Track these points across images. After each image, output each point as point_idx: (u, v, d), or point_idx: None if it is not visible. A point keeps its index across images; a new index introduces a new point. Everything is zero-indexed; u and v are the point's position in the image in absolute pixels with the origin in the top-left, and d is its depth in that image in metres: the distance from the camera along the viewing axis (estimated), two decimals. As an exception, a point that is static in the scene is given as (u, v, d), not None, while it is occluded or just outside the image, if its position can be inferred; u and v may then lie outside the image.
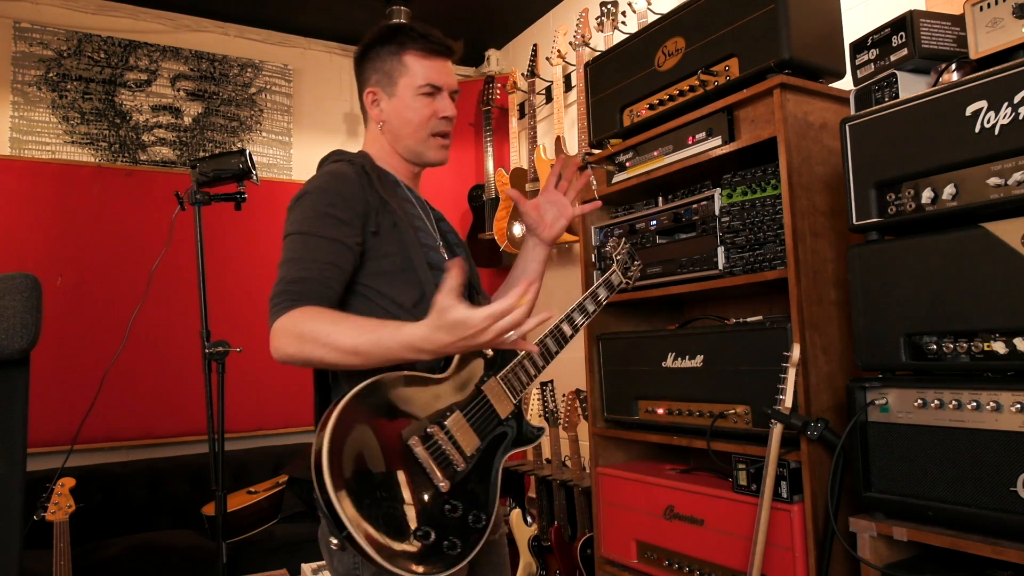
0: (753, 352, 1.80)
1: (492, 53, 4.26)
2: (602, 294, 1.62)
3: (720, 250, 1.92)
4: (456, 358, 1.33)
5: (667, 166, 2.06)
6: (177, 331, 3.49)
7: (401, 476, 1.18)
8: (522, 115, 3.89)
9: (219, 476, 2.36)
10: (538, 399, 3.20)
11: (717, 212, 1.94)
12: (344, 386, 1.29)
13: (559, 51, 3.42)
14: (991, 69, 1.31)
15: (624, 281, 1.72)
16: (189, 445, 3.53)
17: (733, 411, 1.86)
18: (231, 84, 3.91)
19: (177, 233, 2.64)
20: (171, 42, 3.78)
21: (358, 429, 1.16)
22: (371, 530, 1.11)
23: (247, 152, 2.52)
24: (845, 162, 1.54)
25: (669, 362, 2.04)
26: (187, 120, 3.80)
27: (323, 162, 1.48)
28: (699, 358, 1.96)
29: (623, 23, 3.01)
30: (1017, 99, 1.26)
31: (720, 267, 1.92)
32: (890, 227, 1.51)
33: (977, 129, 1.31)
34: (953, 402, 1.35)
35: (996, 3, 1.36)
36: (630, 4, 2.88)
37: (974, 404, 1.32)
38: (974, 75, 1.33)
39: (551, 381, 3.16)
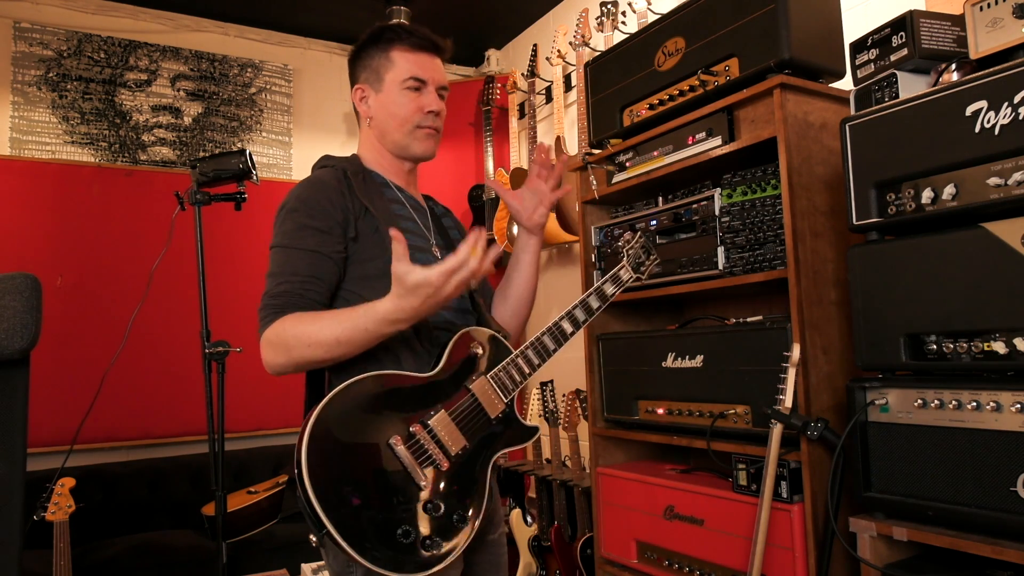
0: (753, 352, 1.80)
1: (492, 53, 4.26)
2: (609, 290, 1.58)
3: (720, 250, 1.92)
4: (444, 358, 1.34)
5: (667, 166, 2.06)
6: (177, 331, 3.49)
7: (382, 475, 1.19)
8: (522, 115, 3.89)
9: (219, 476, 2.36)
10: (538, 399, 3.20)
11: (717, 212, 1.94)
12: (334, 384, 1.29)
13: (559, 51, 3.42)
14: (991, 69, 1.31)
15: (635, 276, 1.67)
16: (189, 445, 3.53)
17: (733, 411, 1.86)
18: (231, 84, 3.91)
19: (177, 233, 2.64)
20: (171, 42, 3.78)
21: (338, 428, 1.19)
22: (351, 529, 1.13)
23: (247, 152, 2.52)
24: (845, 162, 1.54)
25: (669, 362, 2.04)
26: (187, 120, 3.80)
27: (313, 168, 1.50)
28: (699, 358, 1.96)
29: (623, 23, 3.01)
30: (1017, 99, 1.26)
31: (720, 267, 1.92)
32: (890, 227, 1.51)
33: (977, 129, 1.31)
34: (953, 402, 1.35)
35: (996, 3, 1.36)
36: (630, 4, 2.88)
37: (974, 404, 1.32)
38: (974, 75, 1.33)
39: (551, 381, 3.16)
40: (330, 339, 1.23)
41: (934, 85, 1.51)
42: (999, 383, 1.30)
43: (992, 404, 1.30)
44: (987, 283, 1.31)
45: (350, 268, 1.37)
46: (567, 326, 1.47)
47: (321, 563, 2.80)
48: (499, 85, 3.93)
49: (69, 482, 2.57)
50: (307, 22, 3.97)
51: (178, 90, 3.79)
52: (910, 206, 1.43)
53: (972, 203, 1.33)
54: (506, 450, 1.37)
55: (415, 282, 1.17)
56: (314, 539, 1.16)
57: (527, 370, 1.40)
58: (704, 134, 1.94)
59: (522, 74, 3.74)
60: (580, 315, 1.50)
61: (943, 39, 1.56)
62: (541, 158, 1.58)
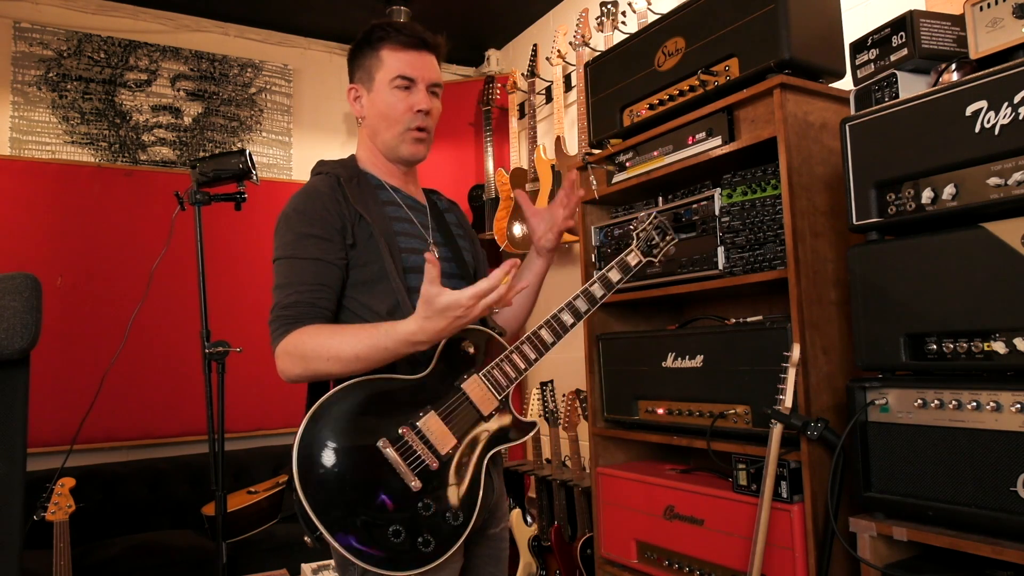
0: (753, 352, 1.80)
1: (492, 53, 4.26)
2: (614, 277, 1.51)
3: (720, 250, 1.92)
4: (435, 358, 1.35)
5: (667, 166, 2.06)
6: (177, 331, 3.49)
7: (372, 477, 1.23)
8: (522, 115, 3.89)
9: (219, 476, 2.36)
10: (538, 399, 3.20)
11: (717, 212, 1.94)
12: (332, 388, 1.33)
13: (559, 51, 3.42)
14: (991, 69, 1.31)
15: (646, 260, 1.58)
16: (189, 445, 3.53)
17: (733, 411, 1.86)
18: (231, 84, 3.91)
19: (177, 233, 2.64)
20: (171, 42, 3.78)
21: (329, 433, 1.23)
22: (342, 530, 1.18)
23: (247, 152, 2.52)
24: (845, 162, 1.54)
25: (669, 362, 2.04)
26: (187, 120, 3.80)
27: (311, 173, 1.50)
28: (699, 358, 1.96)
29: (623, 23, 3.01)
30: (1017, 99, 1.26)
31: (720, 267, 1.92)
32: (890, 227, 1.51)
33: (977, 129, 1.31)
34: (953, 402, 1.35)
35: (996, 3, 1.36)
36: (630, 4, 2.88)
37: (974, 404, 1.32)
38: (974, 75, 1.33)
39: (551, 381, 3.16)
40: (350, 355, 1.26)
41: (934, 85, 1.51)
42: (999, 383, 1.30)
43: (992, 404, 1.30)
44: (987, 283, 1.31)
45: (349, 274, 1.39)
46: (567, 317, 1.43)
47: (321, 563, 2.81)
48: (499, 85, 3.93)
49: (69, 482, 2.57)
50: (307, 22, 3.97)
51: (178, 90, 3.79)
52: (910, 206, 1.43)
53: (972, 203, 1.33)
54: (502, 447, 1.37)
55: (445, 304, 1.19)
56: (309, 540, 1.21)
57: (522, 365, 1.39)
58: (704, 134, 1.94)
59: (522, 74, 3.74)
60: (582, 305, 1.45)
61: (943, 39, 1.56)
62: (567, 187, 1.59)
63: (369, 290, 1.38)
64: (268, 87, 4.00)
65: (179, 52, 3.79)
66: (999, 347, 1.29)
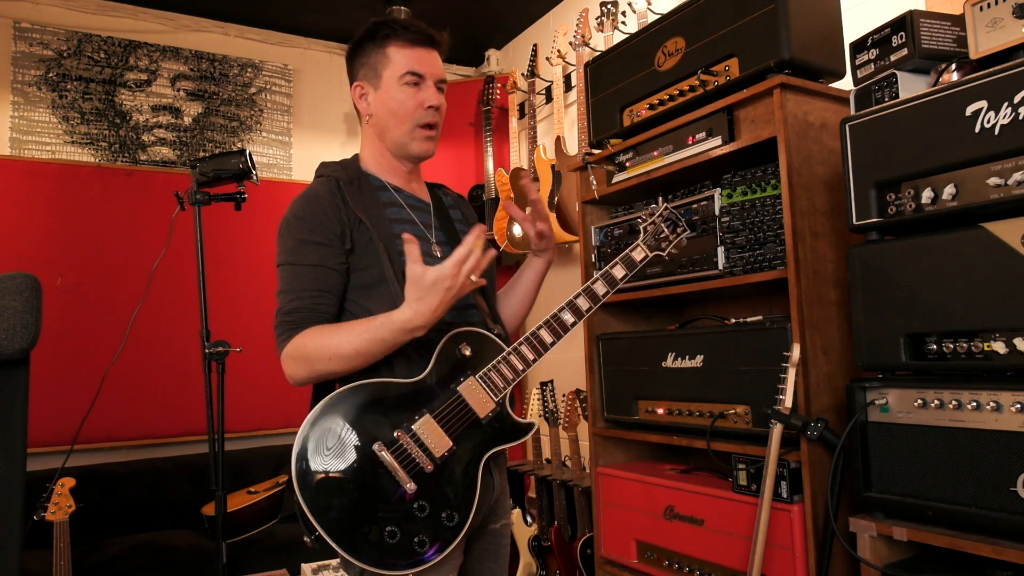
0: (753, 352, 1.80)
1: (492, 53, 4.26)
2: (618, 274, 1.47)
3: (720, 250, 1.92)
4: (433, 361, 1.36)
5: (667, 166, 2.06)
6: (177, 331, 3.49)
7: (368, 479, 1.27)
8: (522, 115, 3.89)
9: (219, 476, 2.36)
10: (538, 399, 3.20)
11: (717, 212, 1.94)
12: (337, 388, 1.35)
13: (559, 51, 3.42)
14: (991, 69, 1.31)
15: (652, 254, 1.52)
16: (189, 445, 3.53)
17: (733, 411, 1.86)
18: (231, 84, 3.91)
19: (177, 233, 2.64)
20: (171, 42, 3.78)
21: (327, 437, 1.28)
22: (340, 532, 1.23)
23: (247, 152, 2.52)
24: (845, 162, 1.54)
25: (669, 362, 2.04)
26: (187, 120, 3.80)
27: (315, 174, 1.51)
28: (699, 358, 1.96)
29: (623, 23, 3.01)
30: (1017, 99, 1.26)
31: (720, 267, 1.92)
32: (890, 227, 1.51)
33: (977, 129, 1.31)
34: (953, 402, 1.35)
35: (996, 3, 1.36)
36: (630, 4, 2.88)
37: (974, 404, 1.32)
38: (974, 75, 1.33)
39: (551, 381, 3.16)
40: (350, 351, 1.28)
41: (934, 85, 1.51)
42: (999, 383, 1.30)
43: (992, 404, 1.30)
44: (987, 283, 1.31)
45: (350, 278, 1.41)
46: (568, 316, 1.42)
47: (321, 563, 2.82)
48: (499, 85, 3.93)
49: (69, 482, 2.57)
50: (307, 22, 3.97)
51: (178, 90, 3.79)
52: (910, 206, 1.43)
53: (972, 203, 1.33)
54: (499, 448, 1.38)
55: (433, 278, 1.22)
56: (308, 540, 1.25)
57: (520, 367, 1.39)
58: (704, 134, 1.94)
59: (522, 74, 3.74)
60: (583, 303, 1.44)
61: (943, 39, 1.56)
62: (527, 194, 1.59)
63: (369, 294, 1.40)
64: (268, 87, 4.00)
65: (179, 52, 3.79)
66: (999, 347, 1.29)
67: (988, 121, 1.30)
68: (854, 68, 1.67)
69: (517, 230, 3.59)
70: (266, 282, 3.68)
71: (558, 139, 3.37)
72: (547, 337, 1.40)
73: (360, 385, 1.32)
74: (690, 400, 1.99)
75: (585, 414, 2.71)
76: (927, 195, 1.40)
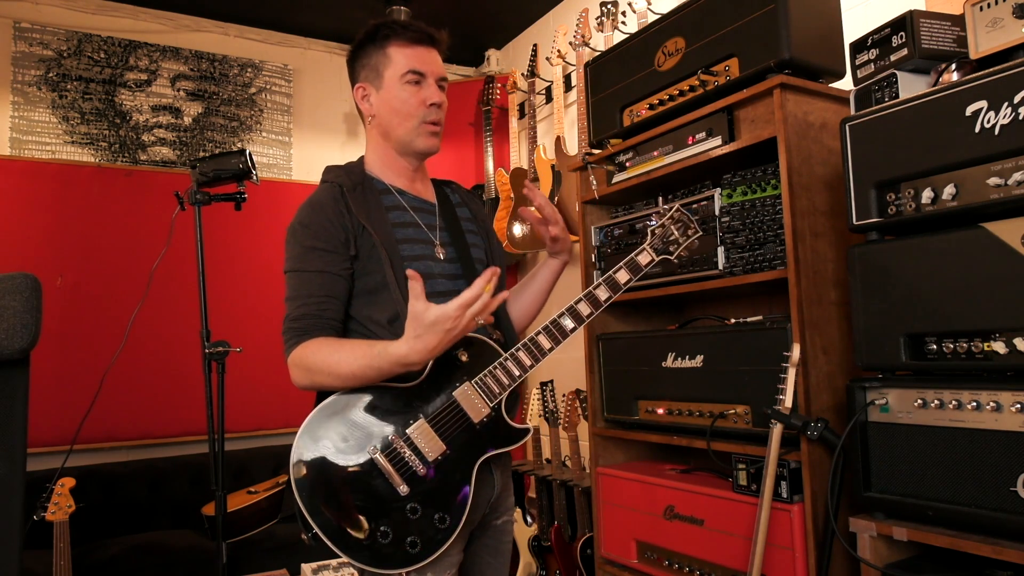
0: (753, 352, 1.80)
1: (492, 53, 4.26)
2: (622, 278, 1.48)
3: (720, 250, 1.92)
4: (429, 366, 1.37)
5: (667, 166, 2.06)
6: (177, 331, 3.49)
7: (363, 482, 1.31)
8: (522, 115, 3.89)
9: (219, 476, 2.36)
10: (538, 399, 3.20)
11: (717, 212, 1.94)
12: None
13: (559, 51, 3.42)
14: (991, 69, 1.31)
15: (659, 258, 1.53)
16: (189, 445, 3.53)
17: (733, 411, 1.86)
18: (231, 84, 3.91)
19: (177, 233, 2.64)
20: (171, 42, 3.78)
21: (326, 438, 1.32)
22: (335, 531, 1.28)
23: (247, 152, 2.52)
24: (845, 162, 1.54)
25: (669, 362, 2.04)
26: (187, 120, 3.80)
27: (321, 179, 1.52)
28: (699, 358, 1.96)
29: (623, 23, 3.01)
30: (1017, 99, 1.26)
31: (720, 267, 1.92)
32: (890, 227, 1.51)
33: (977, 129, 1.31)
34: (953, 402, 1.35)
35: (996, 3, 1.36)
36: (630, 4, 2.88)
37: (974, 404, 1.32)
38: (974, 75, 1.33)
39: (551, 381, 3.16)
40: (347, 373, 1.31)
41: (934, 85, 1.50)
42: (999, 383, 1.30)
43: (992, 404, 1.30)
44: (987, 283, 1.31)
45: (355, 283, 1.43)
46: (568, 322, 1.42)
47: (321, 563, 2.82)
48: (499, 85, 3.93)
49: (69, 482, 2.57)
50: (307, 22, 3.97)
51: (178, 90, 3.79)
52: (910, 206, 1.43)
53: (972, 203, 1.33)
54: (493, 452, 1.39)
55: (434, 318, 1.23)
56: (306, 538, 1.30)
57: (517, 372, 1.39)
58: (704, 134, 1.94)
59: (522, 74, 3.74)
60: (584, 309, 1.44)
61: (943, 39, 1.56)
62: (532, 199, 1.60)
63: (371, 300, 1.42)
64: (268, 87, 4.00)
65: (179, 52, 3.79)
66: (999, 347, 1.29)
67: (988, 121, 1.30)
68: (854, 68, 1.67)
69: (517, 230, 3.59)
70: (266, 282, 3.69)
71: (558, 139, 3.37)
72: (545, 343, 1.41)
73: (358, 389, 1.35)
74: (690, 400, 1.99)
75: (585, 414, 2.71)
76: (927, 195, 1.40)
